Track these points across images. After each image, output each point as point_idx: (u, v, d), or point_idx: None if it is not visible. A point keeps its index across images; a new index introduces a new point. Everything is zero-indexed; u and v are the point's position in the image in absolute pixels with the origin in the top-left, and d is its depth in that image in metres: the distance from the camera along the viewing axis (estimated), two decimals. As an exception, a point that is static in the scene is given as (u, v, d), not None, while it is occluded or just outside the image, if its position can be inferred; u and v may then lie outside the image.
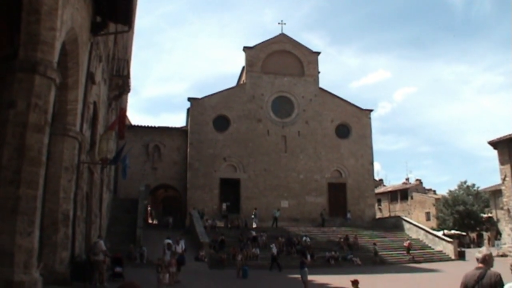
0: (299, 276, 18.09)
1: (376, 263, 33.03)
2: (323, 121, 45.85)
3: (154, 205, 53.72)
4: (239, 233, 35.33)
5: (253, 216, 39.31)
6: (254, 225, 38.49)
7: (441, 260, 34.69)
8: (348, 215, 43.86)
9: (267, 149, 43.96)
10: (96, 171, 21.55)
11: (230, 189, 42.62)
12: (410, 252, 35.25)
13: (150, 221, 46.29)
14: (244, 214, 40.99)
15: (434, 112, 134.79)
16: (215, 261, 30.12)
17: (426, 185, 73.23)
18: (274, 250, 29.91)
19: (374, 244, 35.35)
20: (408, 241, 36.64)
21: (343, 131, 46.40)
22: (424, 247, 37.67)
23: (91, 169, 19.84)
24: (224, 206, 40.64)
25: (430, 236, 38.68)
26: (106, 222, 30.22)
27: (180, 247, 23.01)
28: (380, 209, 68.48)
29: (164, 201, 56.14)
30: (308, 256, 28.10)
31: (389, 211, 68.15)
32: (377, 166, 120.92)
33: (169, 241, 29.16)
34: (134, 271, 21.73)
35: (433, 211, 63.68)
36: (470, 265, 30.80)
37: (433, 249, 37.27)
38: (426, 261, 33.86)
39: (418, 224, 42.36)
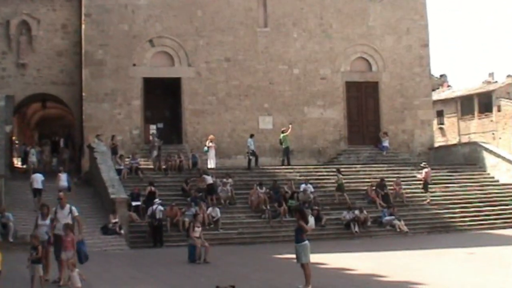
0: (293, 255, 18.03)
1: (434, 229, 34.31)
2: (335, -35, 45.54)
3: (23, 132, 54.02)
4: (184, 180, 35.82)
5: (206, 148, 39.63)
6: (211, 165, 38.96)
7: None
8: (384, 142, 44.54)
9: (230, 21, 44.17)
10: None
11: (163, 98, 43.40)
12: (429, 189, 37.31)
13: (18, 163, 46.64)
14: (191, 144, 41.54)
15: None
16: (140, 234, 30.96)
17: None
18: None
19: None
20: (426, 170, 38.11)
21: (371, -16, 46.37)
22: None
23: None
24: (153, 130, 41.18)
25: (532, 180, 39.49)
26: None
27: (67, 211, 22.05)
28: (441, 129, 69.45)
29: (41, 125, 56.39)
30: (311, 219, 28.37)
31: (459, 134, 68.82)
32: (436, 50, 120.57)
33: (39, 176, 30.43)
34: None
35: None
36: None
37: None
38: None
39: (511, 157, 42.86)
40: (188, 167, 38.99)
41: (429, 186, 37.64)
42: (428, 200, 37.04)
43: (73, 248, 18.36)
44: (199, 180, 35.65)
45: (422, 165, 39.25)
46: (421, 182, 37.97)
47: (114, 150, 38.26)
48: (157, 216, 30.74)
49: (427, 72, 47.42)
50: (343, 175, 37.56)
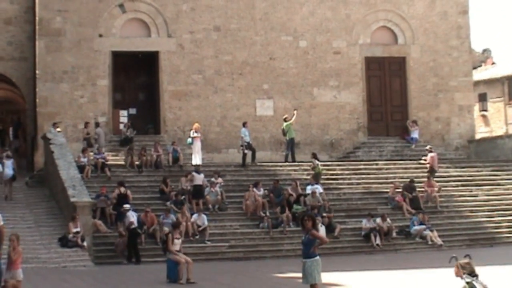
0: (299, 274, 17.65)
1: (475, 242, 34.35)
2: None
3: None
4: (162, 180, 35.61)
5: (190, 140, 39.09)
6: (196, 161, 38.41)
7: None
8: (413, 133, 44.49)
9: (220, -19, 43.69)
10: None
11: (136, 76, 43.73)
12: (434, 179, 37.86)
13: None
14: (171, 134, 41.49)
15: None
16: (107, 247, 31.11)
17: None
18: None
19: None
20: (432, 155, 39.09)
21: None
22: None
23: None
24: (124, 118, 41.25)
25: None
26: None
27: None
28: (484, 117, 69.13)
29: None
30: (321, 229, 28.91)
31: (506, 123, 68.47)
32: (478, 19, 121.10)
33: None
34: None
35: None
36: None
37: None
38: None
39: None
40: (168, 163, 39.00)
41: (436, 174, 38.63)
42: (433, 194, 37.22)
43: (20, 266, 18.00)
44: (184, 180, 35.65)
45: (427, 148, 39.95)
46: (428, 165, 39.17)
47: (88, 143, 38.44)
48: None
49: (466, 45, 47.42)
50: (367, 174, 38.83)
